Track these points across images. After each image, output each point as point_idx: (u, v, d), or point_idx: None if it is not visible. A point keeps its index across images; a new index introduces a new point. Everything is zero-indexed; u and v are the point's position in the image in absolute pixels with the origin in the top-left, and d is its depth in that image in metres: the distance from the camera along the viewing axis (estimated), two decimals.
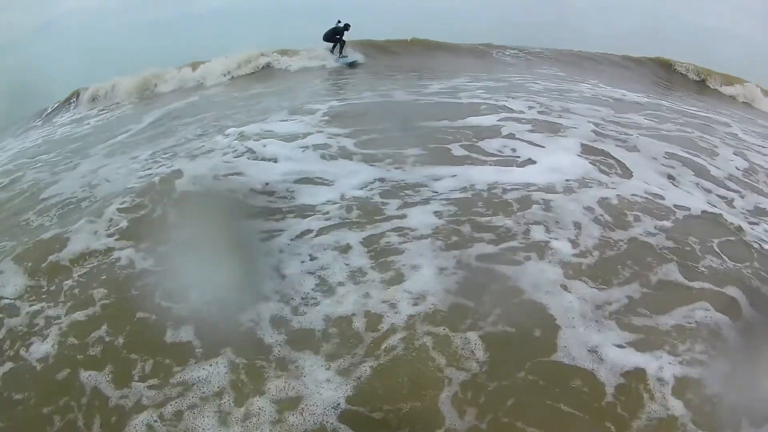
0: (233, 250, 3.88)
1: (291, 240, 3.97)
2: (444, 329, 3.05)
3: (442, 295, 3.32)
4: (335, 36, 13.97)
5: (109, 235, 4.07)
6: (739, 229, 4.40)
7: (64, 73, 14.16)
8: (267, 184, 4.82)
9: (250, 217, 4.32)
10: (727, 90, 14.35)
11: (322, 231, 4.05)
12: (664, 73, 15.10)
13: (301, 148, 5.68)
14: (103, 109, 12.19)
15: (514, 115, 6.94)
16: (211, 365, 2.90)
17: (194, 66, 13.49)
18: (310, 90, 10.64)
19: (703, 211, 4.65)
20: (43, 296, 3.53)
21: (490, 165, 5.30)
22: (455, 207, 4.37)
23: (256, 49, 14.15)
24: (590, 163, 5.38)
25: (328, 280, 3.52)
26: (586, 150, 5.71)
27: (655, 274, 3.63)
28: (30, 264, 3.80)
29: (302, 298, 3.36)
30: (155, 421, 2.63)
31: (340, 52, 14.28)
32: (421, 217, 4.20)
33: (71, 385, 2.88)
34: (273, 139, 5.89)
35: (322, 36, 14.11)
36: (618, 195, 4.66)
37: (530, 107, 7.42)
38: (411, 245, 3.84)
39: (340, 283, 3.47)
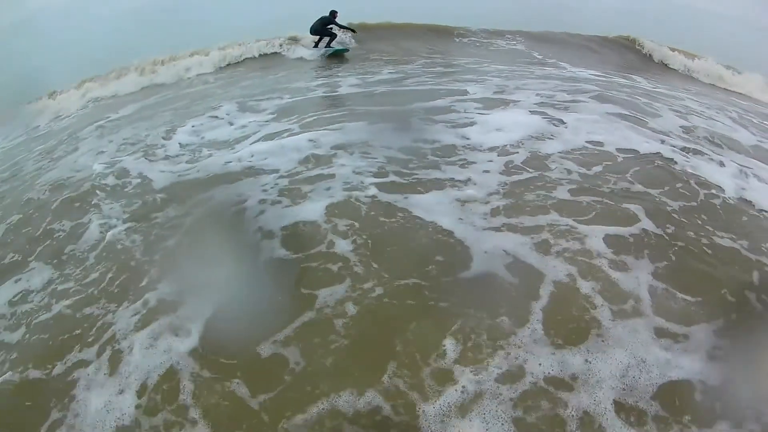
0: None
1: None
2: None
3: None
4: (325, 27, 12.98)
5: None
6: (670, 161, 5.13)
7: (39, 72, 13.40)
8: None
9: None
10: (693, 70, 14.68)
11: None
12: (633, 53, 15.49)
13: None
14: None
15: (466, 97, 7.49)
16: None
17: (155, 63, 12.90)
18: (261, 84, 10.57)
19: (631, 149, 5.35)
20: None
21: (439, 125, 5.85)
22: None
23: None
24: (531, 123, 5.98)
25: None
26: (529, 114, 6.33)
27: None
28: None
29: None
30: None
31: (329, 43, 13.32)
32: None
33: None
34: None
35: (309, 28, 13.19)
36: (551, 145, 5.26)
37: (485, 88, 7.98)
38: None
39: None
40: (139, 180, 5.20)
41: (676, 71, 15.05)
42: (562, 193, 4.37)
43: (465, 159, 5.04)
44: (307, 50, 13.41)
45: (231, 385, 2.76)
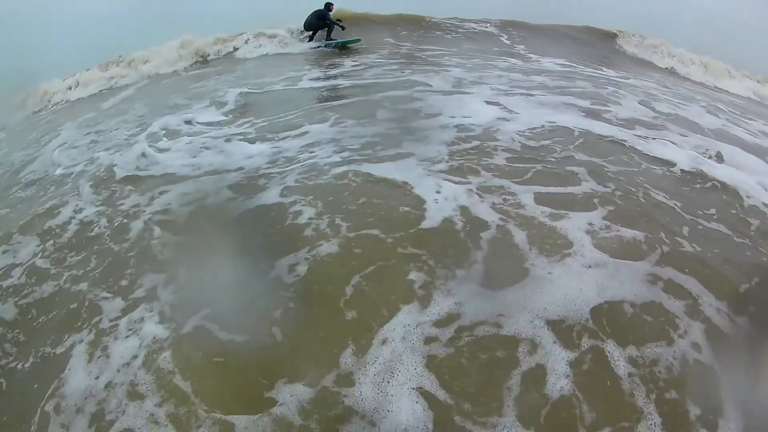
0: None
1: None
2: None
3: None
4: (320, 21, 12.59)
5: None
6: (622, 140, 5.64)
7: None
8: None
9: None
10: (668, 63, 14.78)
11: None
12: (609, 45, 15.64)
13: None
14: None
15: (427, 88, 7.87)
16: None
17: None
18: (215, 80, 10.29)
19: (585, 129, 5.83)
20: None
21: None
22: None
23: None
24: (487, 111, 6.47)
25: None
26: (486, 103, 6.84)
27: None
28: None
29: None
30: None
31: (328, 37, 12.72)
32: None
33: None
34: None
35: (303, 23, 12.88)
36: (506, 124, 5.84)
37: (445, 80, 8.37)
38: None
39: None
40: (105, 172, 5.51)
41: (659, 67, 14.78)
42: (505, 159, 4.94)
43: (425, 137, 5.54)
44: (299, 44, 12.99)
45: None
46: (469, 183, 4.44)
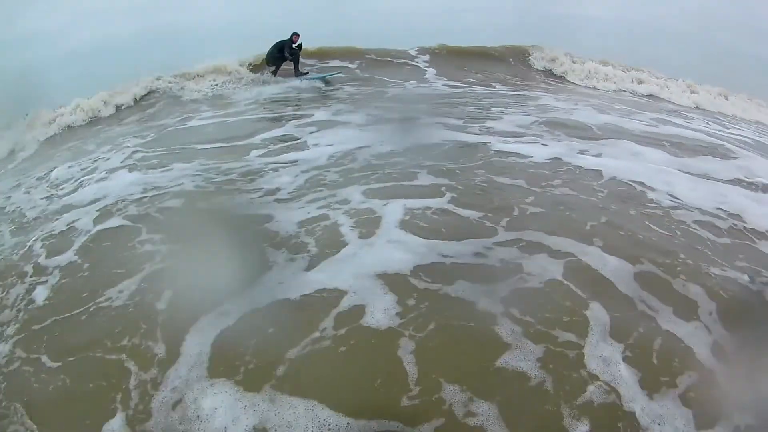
0: None
1: None
2: None
3: None
4: (283, 53, 11.57)
5: None
6: (487, 145, 6.64)
7: None
8: None
9: None
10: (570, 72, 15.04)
11: None
12: (522, 61, 15.83)
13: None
14: None
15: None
16: None
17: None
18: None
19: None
20: None
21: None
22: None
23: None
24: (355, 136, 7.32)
25: None
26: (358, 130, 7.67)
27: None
28: None
29: None
30: None
31: (297, 70, 11.88)
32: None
33: None
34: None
35: (265, 57, 11.99)
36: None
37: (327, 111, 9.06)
38: None
39: None
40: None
41: (567, 80, 15.04)
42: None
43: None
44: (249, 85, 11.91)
45: None
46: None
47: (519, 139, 7.14)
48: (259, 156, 6.81)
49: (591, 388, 3.11)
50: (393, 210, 4.88)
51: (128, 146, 7.73)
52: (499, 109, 9.08)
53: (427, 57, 14.86)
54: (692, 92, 13.67)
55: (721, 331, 3.62)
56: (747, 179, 6.22)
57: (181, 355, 3.41)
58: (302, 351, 3.39)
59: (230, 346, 3.47)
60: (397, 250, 4.29)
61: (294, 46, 11.65)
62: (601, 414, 2.97)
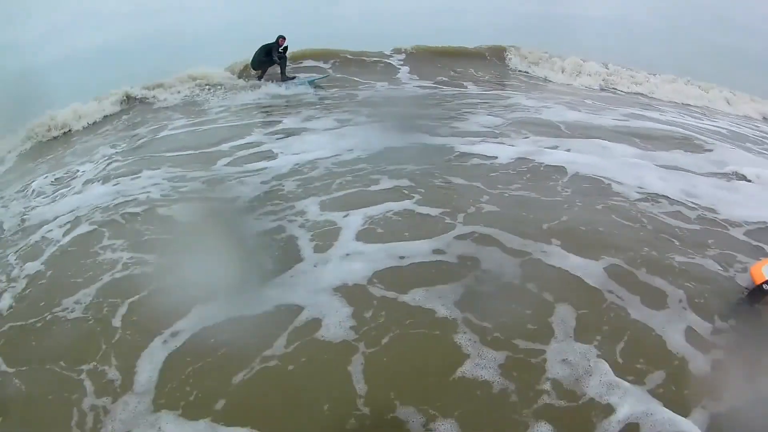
0: None
1: None
2: None
3: None
4: (270, 56, 11.14)
5: None
6: (451, 147, 6.50)
7: None
8: None
9: None
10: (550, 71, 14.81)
11: None
12: (499, 61, 15.55)
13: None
14: None
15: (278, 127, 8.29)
16: None
17: None
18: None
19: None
20: None
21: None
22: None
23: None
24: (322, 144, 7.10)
25: None
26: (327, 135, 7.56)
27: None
28: None
29: None
30: None
31: (283, 74, 11.42)
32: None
33: None
34: None
35: (251, 62, 11.49)
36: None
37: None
38: None
39: None
40: None
41: (542, 77, 14.82)
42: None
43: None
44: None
45: None
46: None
47: (485, 138, 7.03)
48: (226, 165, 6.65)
49: (556, 392, 2.97)
50: (353, 220, 4.74)
51: (104, 156, 7.58)
52: (469, 110, 8.97)
53: (402, 56, 14.57)
54: (673, 87, 13.58)
55: (693, 318, 3.55)
56: (719, 170, 6.16)
57: (134, 383, 3.24)
58: (249, 374, 3.22)
59: (178, 370, 3.29)
60: (354, 260, 4.16)
61: (280, 49, 11.26)
62: (567, 417, 2.85)
